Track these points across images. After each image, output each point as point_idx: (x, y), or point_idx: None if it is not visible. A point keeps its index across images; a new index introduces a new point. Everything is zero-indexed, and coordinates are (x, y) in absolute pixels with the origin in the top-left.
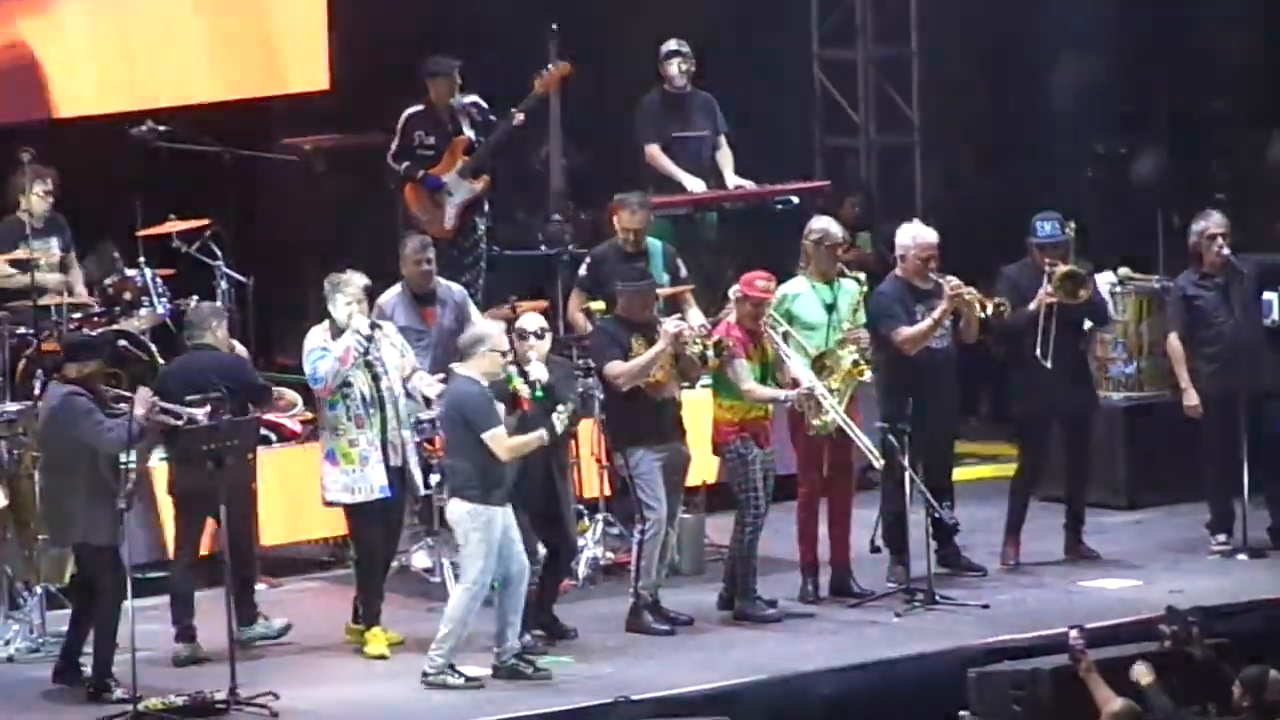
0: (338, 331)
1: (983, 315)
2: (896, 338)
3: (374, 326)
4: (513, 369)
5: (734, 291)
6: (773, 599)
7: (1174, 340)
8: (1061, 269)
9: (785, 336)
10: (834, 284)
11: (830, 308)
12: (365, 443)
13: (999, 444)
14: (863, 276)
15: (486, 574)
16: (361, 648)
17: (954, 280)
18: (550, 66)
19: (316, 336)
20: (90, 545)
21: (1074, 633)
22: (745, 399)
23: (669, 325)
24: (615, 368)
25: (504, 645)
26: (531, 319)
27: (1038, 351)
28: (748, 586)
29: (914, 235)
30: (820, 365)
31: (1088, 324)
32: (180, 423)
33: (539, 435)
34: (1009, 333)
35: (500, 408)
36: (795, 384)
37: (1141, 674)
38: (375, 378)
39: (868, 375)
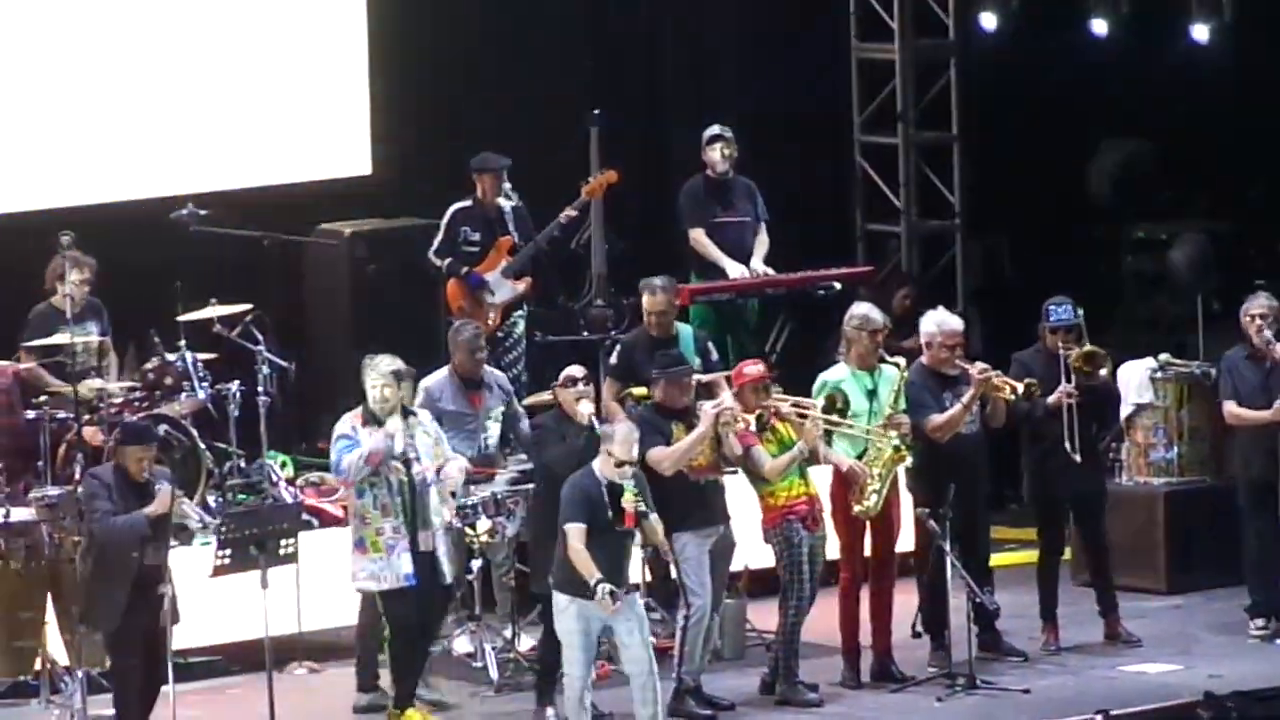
0: (369, 416)
1: (1013, 398)
2: (928, 425)
3: (407, 415)
4: (628, 481)
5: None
6: (814, 684)
7: (1229, 407)
8: (1079, 351)
9: (832, 422)
10: (875, 371)
11: (872, 394)
12: (391, 530)
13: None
14: (903, 362)
15: (573, 665)
16: None
17: (980, 365)
18: (597, 175)
19: (345, 423)
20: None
21: (1099, 718)
22: (772, 480)
23: (709, 407)
24: (658, 453)
25: None
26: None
27: (1066, 444)
28: (790, 670)
29: (939, 323)
30: (861, 453)
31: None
32: (194, 523)
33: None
34: (1025, 420)
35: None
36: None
37: None
38: (407, 463)
39: (909, 461)
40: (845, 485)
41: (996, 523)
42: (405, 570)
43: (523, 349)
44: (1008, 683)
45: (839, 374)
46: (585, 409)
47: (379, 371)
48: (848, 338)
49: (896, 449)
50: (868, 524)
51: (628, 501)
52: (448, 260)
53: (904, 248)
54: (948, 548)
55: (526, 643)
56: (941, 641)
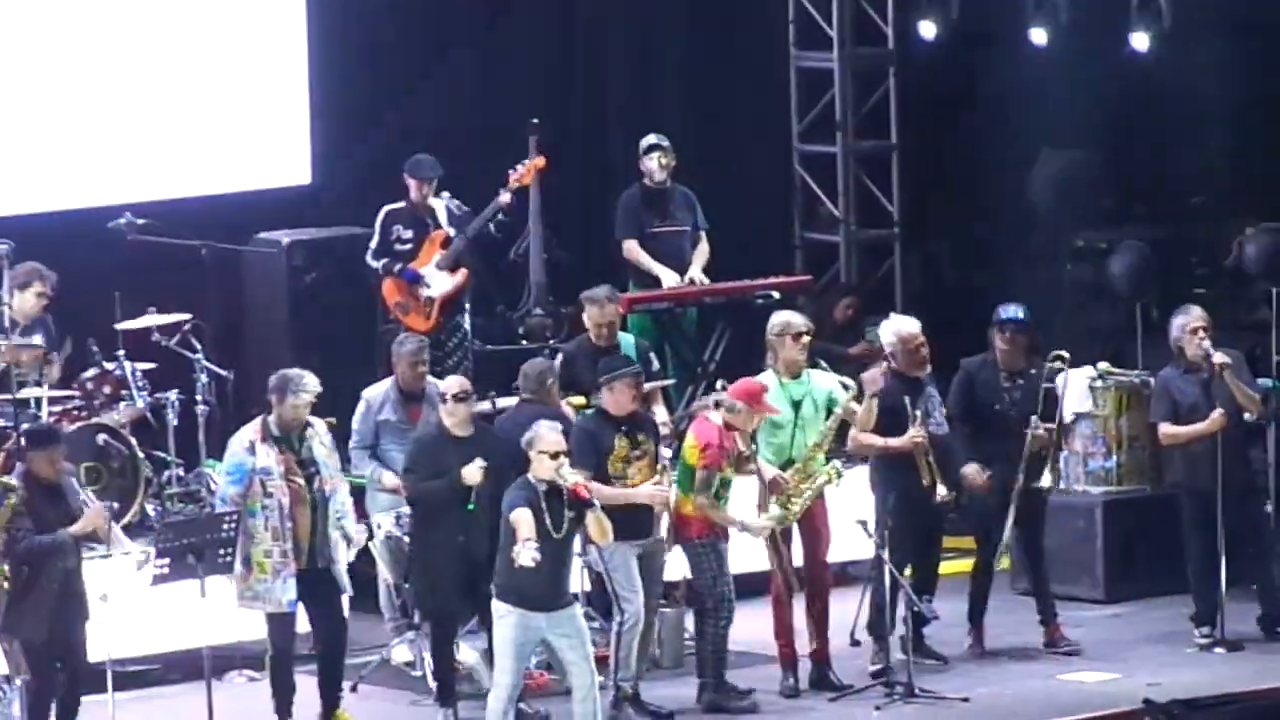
0: (268, 433)
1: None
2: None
3: (305, 425)
4: (565, 470)
5: (730, 402)
6: (748, 688)
7: (1164, 428)
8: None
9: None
10: (801, 378)
11: (797, 405)
12: (279, 555)
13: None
14: (850, 382)
15: (504, 674)
16: None
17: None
18: (526, 161)
19: (244, 438)
20: (30, 641)
21: None
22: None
23: (658, 492)
24: (596, 487)
25: None
26: (452, 382)
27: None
28: (721, 677)
29: (896, 330)
30: (787, 463)
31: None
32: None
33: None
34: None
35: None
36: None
37: None
38: (309, 478)
39: (837, 482)
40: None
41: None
42: (289, 597)
43: (468, 346)
44: (946, 691)
45: (766, 383)
46: (571, 476)
47: (308, 391)
48: (772, 346)
49: (837, 471)
50: (796, 534)
51: (569, 476)
52: (383, 261)
53: (843, 257)
54: (886, 557)
55: (466, 652)
56: (883, 644)
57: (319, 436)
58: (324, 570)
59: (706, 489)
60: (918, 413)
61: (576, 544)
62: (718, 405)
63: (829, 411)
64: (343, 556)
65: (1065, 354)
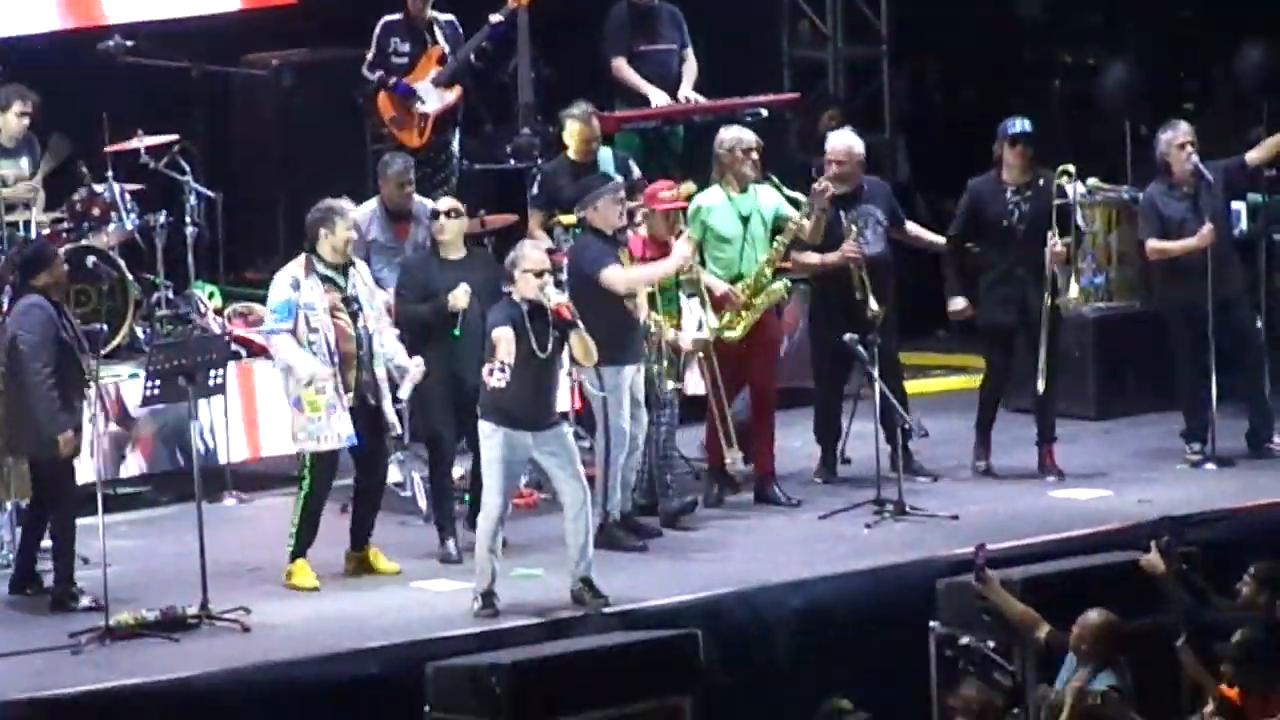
0: (313, 268)
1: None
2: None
3: (350, 265)
4: (550, 289)
5: (640, 208)
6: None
7: (1152, 243)
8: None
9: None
10: (749, 193)
11: (745, 220)
12: (331, 391)
13: (967, 355)
14: (800, 197)
15: (492, 494)
16: (290, 579)
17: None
18: None
19: (287, 276)
20: (40, 458)
21: (976, 550)
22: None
23: (683, 249)
24: (614, 274)
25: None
26: (444, 200)
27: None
28: (665, 484)
29: (833, 144)
30: (736, 278)
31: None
32: None
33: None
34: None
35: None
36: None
37: (1154, 564)
38: (353, 315)
39: (787, 299)
40: (716, 309)
41: (924, 349)
42: (346, 431)
43: (456, 165)
44: (935, 508)
45: (714, 198)
46: (555, 297)
47: (347, 219)
48: (720, 161)
49: (788, 289)
50: (750, 349)
51: (553, 297)
52: (378, 74)
53: (831, 74)
54: (876, 373)
55: (456, 471)
56: (832, 455)
57: (361, 275)
58: (374, 408)
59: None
60: (853, 228)
61: (568, 365)
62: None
63: (778, 228)
64: (387, 396)
65: (1071, 167)
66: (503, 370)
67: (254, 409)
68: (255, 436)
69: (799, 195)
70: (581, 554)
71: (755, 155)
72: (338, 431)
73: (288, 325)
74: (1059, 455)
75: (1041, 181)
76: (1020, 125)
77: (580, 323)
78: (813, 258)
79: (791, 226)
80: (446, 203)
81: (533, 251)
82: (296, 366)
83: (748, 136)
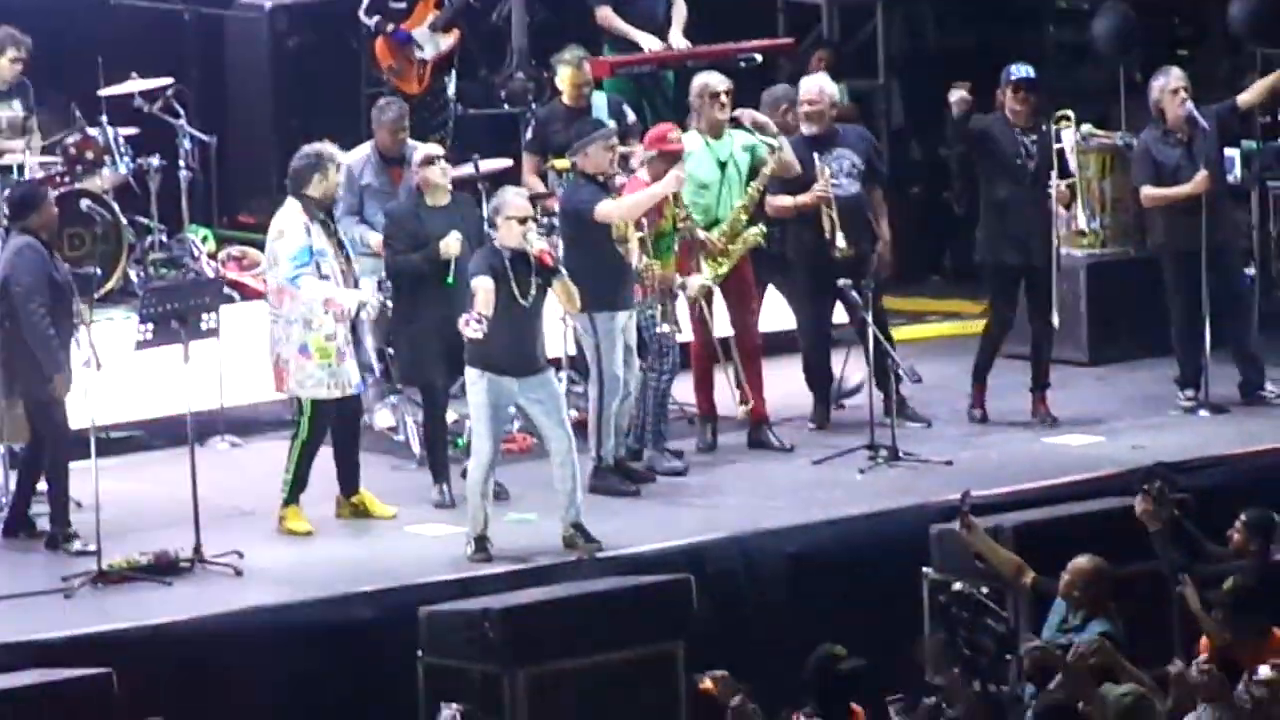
0: (313, 214)
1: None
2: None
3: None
4: (533, 235)
5: (641, 151)
6: (679, 450)
7: (1147, 190)
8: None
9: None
10: (724, 139)
11: (722, 165)
12: (341, 337)
13: (961, 300)
14: (774, 141)
15: (480, 439)
16: (284, 524)
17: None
18: None
19: (295, 229)
20: (38, 399)
21: (962, 497)
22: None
23: (676, 171)
24: (608, 205)
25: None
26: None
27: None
28: (659, 436)
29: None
30: (713, 224)
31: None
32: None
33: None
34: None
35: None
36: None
37: (1150, 514)
38: (347, 259)
39: (764, 243)
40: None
41: (920, 294)
42: (356, 378)
43: (452, 109)
44: (929, 454)
45: (692, 144)
46: (537, 243)
47: (338, 165)
48: (694, 107)
49: (763, 233)
50: (726, 296)
51: (535, 243)
52: (375, 19)
53: (824, 19)
54: (870, 318)
55: (451, 415)
56: (825, 400)
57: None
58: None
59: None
60: (826, 170)
61: (559, 310)
62: (642, 163)
63: (754, 171)
64: (366, 337)
65: (1069, 112)
66: (480, 322)
67: (247, 352)
68: (247, 381)
69: (772, 140)
70: (570, 499)
71: (725, 99)
72: (347, 379)
73: (310, 270)
74: (1052, 401)
75: (1044, 126)
76: (1024, 70)
77: (563, 268)
78: (786, 200)
79: (766, 171)
80: (425, 150)
81: (515, 198)
82: (339, 299)
83: (715, 81)
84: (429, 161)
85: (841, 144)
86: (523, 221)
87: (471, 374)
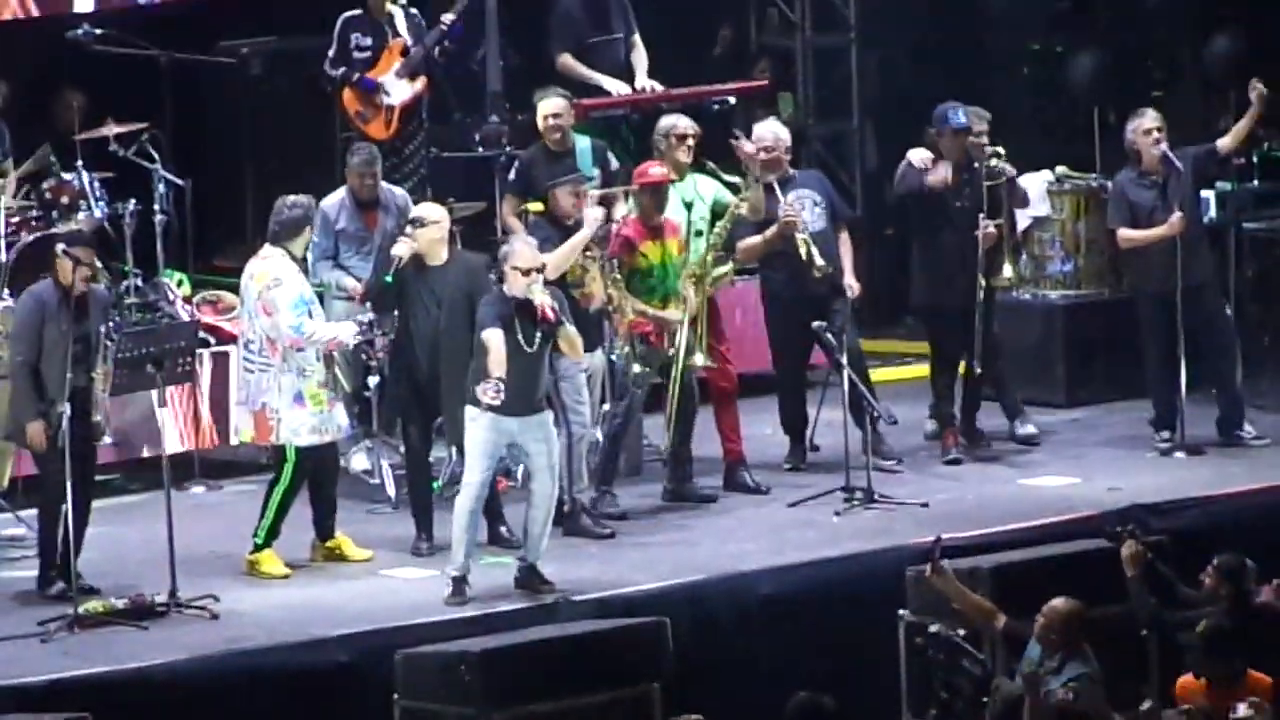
0: (297, 262)
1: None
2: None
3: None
4: (538, 288)
5: (622, 201)
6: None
7: (1123, 231)
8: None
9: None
10: (686, 179)
11: (689, 206)
12: (332, 383)
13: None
14: (738, 182)
15: (474, 472)
16: (258, 569)
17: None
18: None
19: (290, 276)
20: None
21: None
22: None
23: (593, 213)
24: (545, 257)
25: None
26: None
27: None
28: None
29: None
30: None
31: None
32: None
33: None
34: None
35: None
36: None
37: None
38: (323, 308)
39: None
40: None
41: (890, 337)
42: (344, 422)
43: (424, 155)
44: (905, 496)
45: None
46: (541, 296)
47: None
48: (659, 149)
49: (733, 272)
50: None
51: (539, 295)
52: (341, 70)
53: (799, 62)
54: (844, 361)
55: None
56: (801, 442)
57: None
58: None
59: (615, 281)
60: (789, 195)
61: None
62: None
63: (715, 216)
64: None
65: (1001, 149)
66: (498, 391)
67: (222, 397)
68: (222, 424)
69: (737, 180)
70: (536, 542)
71: (690, 143)
72: (338, 423)
73: (308, 315)
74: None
75: (976, 164)
76: (963, 117)
77: (565, 321)
78: (755, 239)
79: (732, 210)
80: (414, 212)
81: (523, 249)
82: (342, 335)
83: (681, 123)
84: (413, 224)
85: (800, 186)
86: (527, 273)
87: (473, 411)
